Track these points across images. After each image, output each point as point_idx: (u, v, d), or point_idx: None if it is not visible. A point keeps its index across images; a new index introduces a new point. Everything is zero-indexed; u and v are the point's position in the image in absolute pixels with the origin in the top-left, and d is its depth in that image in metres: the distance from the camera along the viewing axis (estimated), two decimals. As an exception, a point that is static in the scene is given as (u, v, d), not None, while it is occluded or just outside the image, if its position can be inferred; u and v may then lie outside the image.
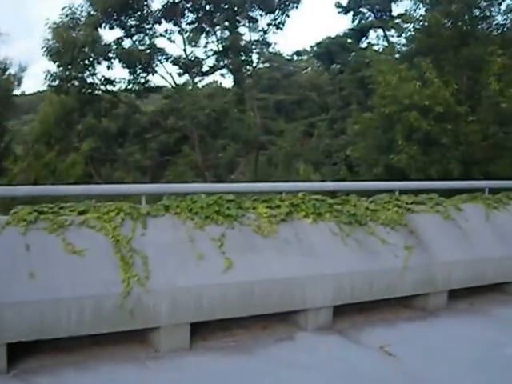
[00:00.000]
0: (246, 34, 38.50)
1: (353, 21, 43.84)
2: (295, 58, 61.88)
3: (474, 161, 21.72)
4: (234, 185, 12.68)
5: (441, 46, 23.33)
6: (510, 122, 21.83)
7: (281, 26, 34.90)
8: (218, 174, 34.34)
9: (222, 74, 40.69)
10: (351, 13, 43.37)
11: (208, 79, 47.96)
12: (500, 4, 24.15)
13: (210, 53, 37.26)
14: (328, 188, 11.11)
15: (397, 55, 24.99)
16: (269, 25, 35.26)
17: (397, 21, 25.00)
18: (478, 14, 23.81)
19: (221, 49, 37.25)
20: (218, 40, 36.61)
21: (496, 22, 24.30)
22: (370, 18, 42.63)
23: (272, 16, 34.52)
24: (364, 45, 43.01)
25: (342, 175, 29.39)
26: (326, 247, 8.22)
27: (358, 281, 8.17)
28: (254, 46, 40.64)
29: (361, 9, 42.74)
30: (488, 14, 23.86)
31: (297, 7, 33.60)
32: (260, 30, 36.04)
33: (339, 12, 43.83)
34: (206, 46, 37.06)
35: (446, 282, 9.06)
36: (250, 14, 34.22)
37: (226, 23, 36.13)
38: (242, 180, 34.05)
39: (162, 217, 7.55)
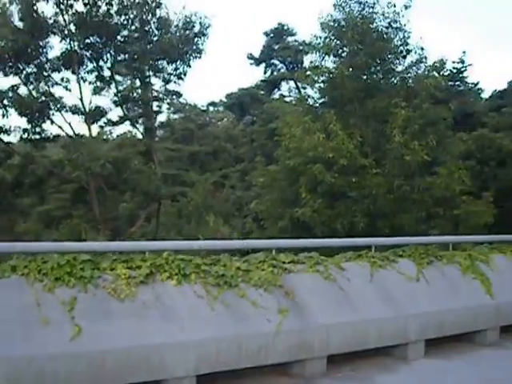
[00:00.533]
0: (157, 84, 37.73)
1: (265, 72, 43.93)
2: (211, 108, 61.75)
3: (380, 214, 21.19)
4: (91, 243, 11.49)
5: (346, 98, 23.01)
6: (415, 174, 21.60)
7: (182, 76, 34.19)
8: (116, 227, 32.74)
9: (132, 124, 39.22)
10: (263, 64, 43.40)
11: (122, 129, 46.69)
12: (404, 57, 24.17)
13: (114, 102, 35.91)
14: (204, 247, 9.96)
15: (306, 106, 24.40)
16: (170, 74, 34.37)
17: (308, 73, 24.49)
18: (382, 67, 23.68)
19: (126, 98, 36.07)
20: (118, 90, 35.39)
21: (401, 75, 24.19)
22: (282, 70, 42.74)
23: (174, 65, 33.60)
24: (276, 96, 42.99)
25: (249, 228, 28.46)
26: (190, 311, 7.47)
27: (225, 347, 7.38)
28: (164, 96, 39.82)
29: (273, 60, 42.83)
30: (393, 67, 23.75)
31: (199, 57, 33.00)
32: (164, 80, 35.08)
33: (251, 64, 43.89)
34: (116, 95, 35.69)
35: (324, 347, 8.30)
36: (153, 63, 33.30)
37: (128, 71, 35.15)
38: (142, 233, 32.81)
39: (8, 279, 6.74)
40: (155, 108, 38.91)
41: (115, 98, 35.31)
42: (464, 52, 44.41)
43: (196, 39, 32.63)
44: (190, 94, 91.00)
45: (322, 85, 23.68)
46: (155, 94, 38.31)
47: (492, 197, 25.24)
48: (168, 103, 41.79)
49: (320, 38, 23.92)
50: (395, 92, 23.18)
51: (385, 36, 23.75)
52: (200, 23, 32.64)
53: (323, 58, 23.76)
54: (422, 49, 23.82)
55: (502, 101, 44.11)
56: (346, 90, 22.63)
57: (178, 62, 32.76)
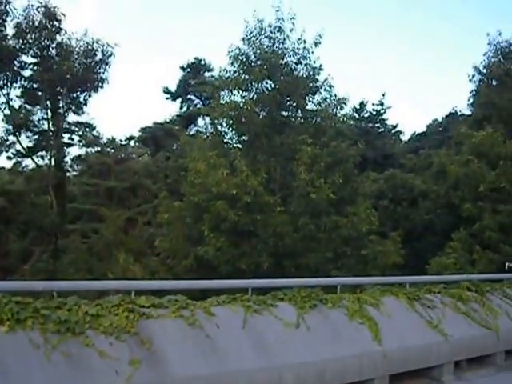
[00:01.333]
0: (70, 116, 36.30)
1: (181, 107, 43.19)
2: (132, 143, 60.32)
3: (286, 253, 20.51)
4: None
5: (254, 134, 22.45)
6: (322, 213, 21.09)
7: (83, 106, 32.87)
8: (8, 264, 30.72)
9: (41, 156, 37.45)
10: (180, 99, 42.71)
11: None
12: (314, 94, 23.87)
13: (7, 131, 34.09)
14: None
15: (214, 141, 23.63)
16: (69, 103, 32.96)
17: (216, 108, 23.78)
18: (291, 103, 23.30)
19: (19, 127, 34.28)
20: (13, 118, 33.57)
21: (310, 112, 23.88)
22: (199, 105, 42.11)
23: (75, 94, 32.13)
24: (193, 131, 42.19)
25: (153, 267, 27.19)
26: (22, 364, 6.36)
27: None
28: (76, 128, 38.43)
29: (189, 95, 42.13)
30: (302, 103, 23.38)
31: (101, 86, 31.67)
32: (64, 109, 33.57)
33: (167, 98, 43.17)
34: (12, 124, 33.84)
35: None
36: (52, 91, 31.67)
37: (28, 99, 33.44)
38: (38, 270, 30.82)
39: None
40: (67, 140, 37.37)
41: (8, 127, 33.47)
42: (383, 94, 45.16)
43: (98, 67, 31.16)
44: (108, 126, 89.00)
45: (230, 120, 22.97)
46: (66, 125, 36.83)
47: (402, 237, 25.14)
48: (80, 136, 40.15)
49: (229, 72, 23.43)
50: (304, 129, 22.84)
51: (294, 72, 23.44)
52: (102, 51, 31.16)
53: (232, 92, 23.16)
54: (331, 86, 23.53)
55: (419, 143, 45.09)
56: (254, 125, 22.08)
57: (79, 92, 31.31)
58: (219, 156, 21.26)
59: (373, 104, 44.95)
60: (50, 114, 33.46)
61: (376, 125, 46.27)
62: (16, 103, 33.53)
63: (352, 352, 9.63)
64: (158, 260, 26.97)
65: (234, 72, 23.45)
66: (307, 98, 23.55)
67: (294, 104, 23.40)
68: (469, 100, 33.50)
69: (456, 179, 27.55)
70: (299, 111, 23.71)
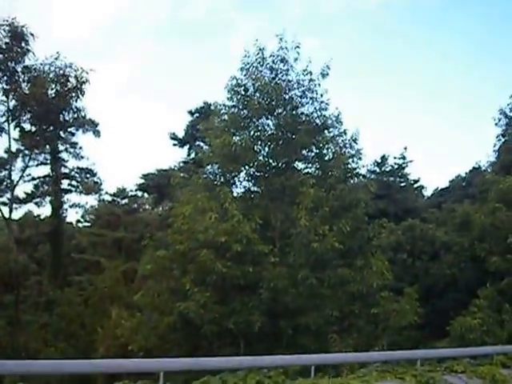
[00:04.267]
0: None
1: (188, 154, 40.93)
2: (144, 194, 58.23)
3: (282, 312, 17.60)
4: None
5: (249, 175, 19.90)
6: (325, 265, 18.24)
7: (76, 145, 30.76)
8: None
9: (36, 203, 35.40)
10: (187, 145, 40.55)
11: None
12: (322, 131, 21.21)
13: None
14: None
15: (203, 182, 20.86)
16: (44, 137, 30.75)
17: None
18: (295, 141, 20.70)
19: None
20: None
21: (316, 151, 21.18)
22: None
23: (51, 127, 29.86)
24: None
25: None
26: None
27: None
28: (76, 174, 36.40)
29: (197, 142, 39.78)
30: (307, 140, 20.71)
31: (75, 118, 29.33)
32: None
33: (174, 144, 41.02)
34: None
35: None
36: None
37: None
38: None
39: None
40: (66, 186, 35.31)
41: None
42: (405, 148, 42.97)
43: (71, 95, 28.67)
44: (113, 174, 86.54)
45: (224, 160, 20.26)
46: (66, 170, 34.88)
47: (421, 293, 22.15)
48: (79, 182, 37.98)
49: (226, 106, 21.04)
50: (308, 169, 20.29)
51: (299, 107, 20.96)
52: (76, 76, 28.68)
53: (228, 128, 20.63)
54: (340, 122, 20.92)
55: (442, 198, 42.71)
56: (250, 165, 19.53)
57: (52, 125, 28.76)
58: (210, 199, 18.62)
59: (394, 158, 43.01)
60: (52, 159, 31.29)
61: (397, 179, 44.29)
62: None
63: None
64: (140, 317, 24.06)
65: (232, 107, 21.03)
66: (313, 135, 20.81)
67: (298, 143, 20.70)
68: (495, 146, 30.63)
69: (482, 230, 24.76)
70: (304, 150, 20.97)
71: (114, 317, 30.79)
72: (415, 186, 47.49)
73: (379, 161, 43.29)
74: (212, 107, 41.92)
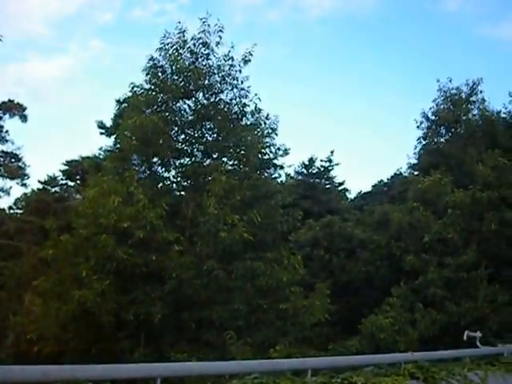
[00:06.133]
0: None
1: (115, 143, 39.33)
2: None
3: (186, 304, 16.76)
4: None
5: (160, 157, 18.94)
6: (234, 257, 17.50)
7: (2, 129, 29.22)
8: None
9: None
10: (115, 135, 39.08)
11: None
12: (240, 119, 20.45)
13: None
14: None
15: (114, 164, 19.75)
16: None
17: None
18: (212, 127, 19.89)
19: None
20: None
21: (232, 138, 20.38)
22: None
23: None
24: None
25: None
26: None
27: None
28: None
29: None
30: (225, 128, 19.90)
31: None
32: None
33: (101, 133, 39.32)
34: None
35: None
36: None
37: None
38: None
39: None
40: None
41: None
42: (332, 152, 42.92)
43: None
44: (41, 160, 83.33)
45: (135, 142, 19.18)
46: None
47: (335, 289, 21.75)
48: (1, 165, 36.14)
49: (143, 88, 19.97)
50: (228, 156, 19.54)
51: (218, 92, 20.12)
52: None
53: (143, 111, 19.55)
54: (259, 111, 20.19)
55: (364, 201, 42.98)
56: (158, 146, 18.55)
57: None
58: (116, 182, 17.57)
59: (321, 160, 43.07)
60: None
61: (323, 181, 44.55)
62: None
63: None
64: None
65: (149, 89, 20.00)
66: (231, 123, 20.01)
67: (216, 129, 19.89)
68: (415, 148, 30.45)
69: (399, 228, 24.49)
70: (220, 138, 20.12)
71: (26, 303, 29.41)
72: (340, 188, 47.83)
73: (307, 163, 43.33)
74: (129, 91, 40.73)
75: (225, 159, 19.83)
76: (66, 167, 43.52)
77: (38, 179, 46.50)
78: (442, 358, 10.25)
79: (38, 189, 48.77)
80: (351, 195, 49.06)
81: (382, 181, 48.30)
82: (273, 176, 22.21)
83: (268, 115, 20.48)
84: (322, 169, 44.22)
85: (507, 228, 23.31)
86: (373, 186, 48.49)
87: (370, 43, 73.72)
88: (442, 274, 22.12)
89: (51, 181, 50.37)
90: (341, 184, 47.42)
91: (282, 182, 38.55)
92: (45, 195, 48.83)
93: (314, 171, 44.23)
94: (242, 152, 19.59)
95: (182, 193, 20.15)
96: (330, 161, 43.91)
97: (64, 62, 72.88)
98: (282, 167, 21.13)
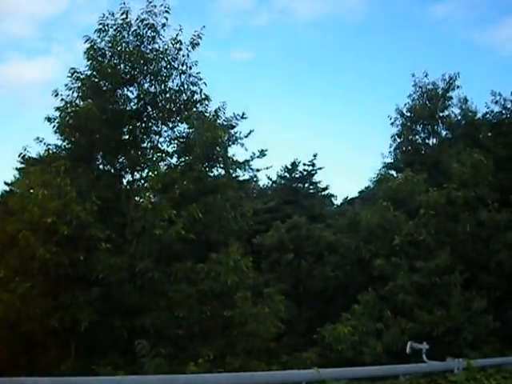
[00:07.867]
0: None
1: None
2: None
3: (117, 310, 15.05)
4: None
5: (95, 148, 17.31)
6: (172, 257, 15.80)
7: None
8: None
9: None
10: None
11: None
12: (189, 108, 18.79)
13: None
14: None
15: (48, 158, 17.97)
16: None
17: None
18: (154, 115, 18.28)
19: None
20: None
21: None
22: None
23: None
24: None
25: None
26: None
27: None
28: None
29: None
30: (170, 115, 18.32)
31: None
32: None
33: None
34: None
35: None
36: None
37: None
38: None
39: None
40: None
41: None
42: (315, 155, 40.98)
43: None
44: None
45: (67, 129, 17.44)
46: None
47: (302, 296, 20.08)
48: None
49: (80, 73, 18.24)
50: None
51: (165, 80, 18.46)
52: None
53: (81, 98, 17.88)
54: (207, 98, 18.55)
55: (350, 207, 41.28)
56: (93, 136, 16.88)
57: None
58: (45, 173, 15.87)
59: (304, 164, 41.16)
60: None
61: (306, 185, 42.62)
62: None
63: None
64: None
65: (90, 76, 18.29)
66: (178, 112, 18.35)
67: (162, 118, 18.23)
68: (390, 147, 28.49)
69: (369, 230, 22.78)
70: (166, 127, 18.46)
71: None
72: (325, 193, 46.08)
73: (290, 167, 41.53)
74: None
75: (169, 150, 18.16)
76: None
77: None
78: (372, 376, 8.49)
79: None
80: (337, 201, 47.37)
81: (369, 186, 46.51)
82: (240, 175, 20.82)
83: (224, 105, 18.92)
84: (305, 173, 42.55)
85: (484, 229, 21.81)
86: (359, 192, 46.81)
87: (360, 47, 72.58)
88: (412, 279, 20.43)
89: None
90: (324, 189, 45.64)
91: (264, 185, 37.12)
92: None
93: (296, 175, 42.53)
94: (189, 142, 17.92)
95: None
96: (313, 165, 42.21)
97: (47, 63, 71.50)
98: (258, 170, 19.42)
